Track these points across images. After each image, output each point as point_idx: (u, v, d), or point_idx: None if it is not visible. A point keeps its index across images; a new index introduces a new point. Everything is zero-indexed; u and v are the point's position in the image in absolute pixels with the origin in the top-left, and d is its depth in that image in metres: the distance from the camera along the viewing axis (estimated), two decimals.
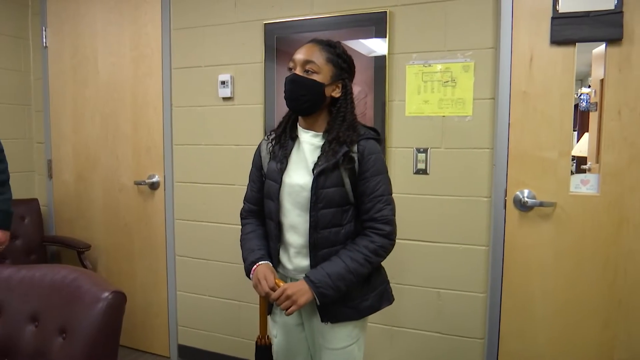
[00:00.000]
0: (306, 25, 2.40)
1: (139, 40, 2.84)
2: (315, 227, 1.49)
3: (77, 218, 3.18)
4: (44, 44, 3.16)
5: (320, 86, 1.48)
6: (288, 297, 1.42)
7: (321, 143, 1.53)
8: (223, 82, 2.60)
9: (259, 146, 1.69)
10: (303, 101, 1.49)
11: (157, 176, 2.87)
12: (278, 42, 2.45)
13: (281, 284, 1.47)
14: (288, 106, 1.56)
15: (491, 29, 2.10)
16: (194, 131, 2.75)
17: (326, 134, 1.52)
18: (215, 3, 2.62)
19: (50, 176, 3.25)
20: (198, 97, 2.72)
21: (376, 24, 2.25)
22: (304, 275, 1.49)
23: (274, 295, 1.44)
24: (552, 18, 2.00)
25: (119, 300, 1.30)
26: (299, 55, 1.50)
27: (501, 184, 2.14)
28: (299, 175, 1.53)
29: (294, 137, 1.59)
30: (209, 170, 2.72)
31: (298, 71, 1.49)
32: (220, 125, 2.67)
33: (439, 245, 2.25)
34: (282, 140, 1.59)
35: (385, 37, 2.23)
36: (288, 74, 1.52)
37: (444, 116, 2.19)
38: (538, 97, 2.07)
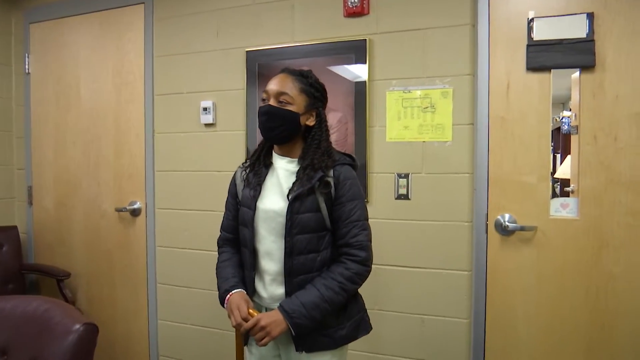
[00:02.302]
0: (287, 53, 2.42)
1: (122, 67, 2.85)
2: (290, 253, 1.48)
3: (57, 245, 3.13)
4: (27, 71, 3.16)
5: (295, 116, 1.49)
6: (262, 328, 1.40)
7: (296, 169, 1.53)
8: (205, 109, 2.61)
9: (234, 174, 1.69)
10: (279, 132, 1.50)
11: (138, 202, 2.84)
12: (260, 68, 2.47)
13: (255, 313, 1.44)
14: (263, 137, 1.56)
15: (468, 57, 2.13)
16: (176, 157, 2.74)
17: (301, 160, 1.52)
18: (197, 31, 2.64)
19: (30, 203, 3.20)
20: (180, 123, 2.71)
21: (356, 52, 2.28)
22: (278, 304, 1.46)
23: (247, 325, 1.42)
24: (528, 45, 2.05)
25: (91, 332, 1.27)
26: (272, 87, 1.50)
27: (482, 208, 2.15)
28: (273, 201, 1.53)
29: (268, 164, 1.59)
30: (190, 196, 2.70)
31: (272, 102, 1.50)
32: (202, 152, 2.66)
33: (421, 270, 2.23)
34: (257, 167, 1.59)
35: (365, 64, 2.26)
36: (262, 104, 1.53)
37: (424, 141, 2.21)
38: (516, 122, 2.10)
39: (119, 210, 2.87)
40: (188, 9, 2.66)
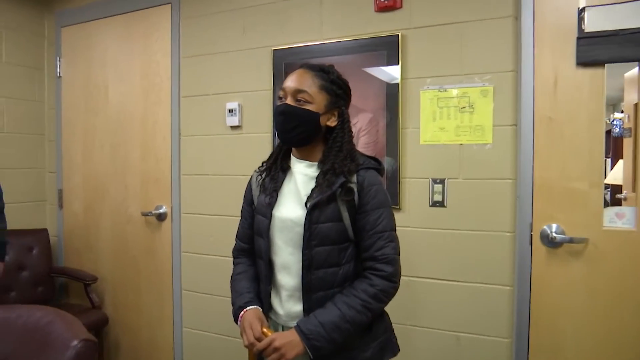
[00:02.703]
0: (315, 51, 2.30)
1: (149, 69, 2.80)
2: (309, 266, 1.35)
3: (85, 249, 3.11)
4: (58, 74, 3.16)
5: (314, 116, 1.36)
6: (276, 350, 1.27)
7: (316, 173, 1.40)
8: (231, 111, 2.52)
9: (250, 179, 1.57)
10: (296, 133, 1.37)
11: (164, 207, 2.78)
12: (287, 68, 2.36)
13: (269, 333, 1.32)
14: (280, 139, 1.44)
15: (511, 51, 1.95)
16: (202, 161, 2.66)
17: (321, 164, 1.39)
18: (223, 30, 2.56)
19: (60, 206, 3.20)
20: (206, 125, 2.64)
21: (388, 48, 2.14)
22: (295, 323, 1.34)
23: (260, 345, 1.29)
24: (578, 38, 1.85)
25: (89, 348, 1.18)
26: (290, 84, 1.37)
27: (526, 217, 1.96)
28: (290, 209, 1.40)
29: (286, 168, 1.46)
30: (216, 201, 2.61)
31: (289, 101, 1.36)
32: (228, 155, 2.57)
33: (458, 284, 2.06)
34: (273, 171, 1.47)
35: (398, 61, 2.11)
36: (279, 102, 1.40)
37: (461, 144, 2.04)
38: (564, 122, 1.90)
39: (145, 214, 2.82)
40: (214, 7, 2.59)
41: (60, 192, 3.20)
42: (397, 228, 2.11)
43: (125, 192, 2.92)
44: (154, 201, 2.82)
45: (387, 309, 1.47)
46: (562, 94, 1.90)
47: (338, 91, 1.39)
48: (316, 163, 1.41)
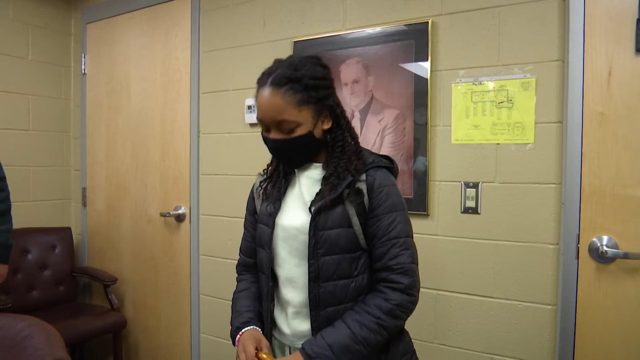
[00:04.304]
0: (338, 42, 2.13)
1: (169, 65, 2.71)
2: (315, 279, 1.18)
3: (107, 249, 3.06)
4: (83, 71, 3.12)
5: (308, 137, 1.18)
6: None
7: (321, 176, 1.23)
8: (249, 107, 2.38)
9: (252, 187, 1.42)
10: (297, 159, 1.24)
11: (183, 208, 2.68)
12: None
13: (266, 357, 1.16)
14: (284, 167, 1.30)
15: (557, 38, 1.71)
16: (221, 160, 2.54)
17: (326, 167, 1.22)
18: (243, 22, 2.43)
19: (84, 204, 3.16)
20: (225, 123, 2.51)
21: (416, 37, 1.94)
22: (301, 345, 1.17)
23: None
24: (638, 21, 1.59)
25: None
26: (265, 115, 1.17)
27: (572, 228, 1.71)
28: (294, 216, 1.24)
29: (289, 173, 1.30)
30: (235, 202, 2.48)
31: (275, 134, 1.18)
32: (246, 154, 2.44)
33: (493, 300, 1.84)
34: (275, 177, 1.32)
35: (427, 51, 1.91)
36: (262, 132, 1.23)
37: (498, 144, 1.82)
38: (620, 119, 1.65)
39: (163, 215, 2.73)
40: None
41: (84, 190, 3.16)
42: (424, 236, 1.94)
43: (145, 191, 2.84)
44: (172, 201, 2.72)
45: (410, 324, 1.28)
46: (617, 86, 1.65)
47: (319, 93, 1.17)
48: (321, 164, 1.25)
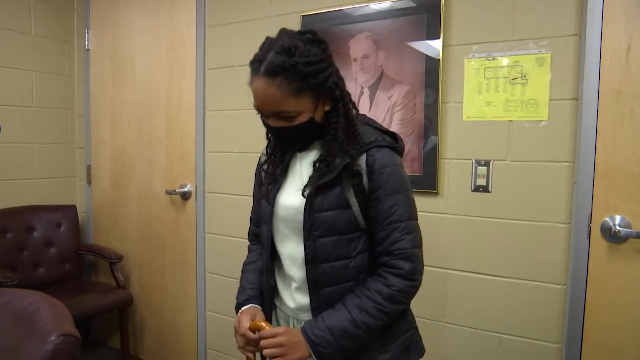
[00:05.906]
0: (347, 16, 2.08)
1: (174, 40, 2.66)
2: (313, 260, 1.17)
3: (112, 226, 3.06)
4: (87, 47, 3.08)
5: (309, 124, 1.13)
6: (279, 345, 1.10)
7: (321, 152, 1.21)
8: None
9: (260, 158, 1.39)
10: (299, 143, 1.20)
11: (189, 185, 2.66)
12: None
13: (264, 325, 1.17)
14: (286, 150, 1.27)
15: (574, 12, 1.66)
16: (227, 137, 2.51)
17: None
18: None
19: (89, 182, 3.15)
20: (231, 100, 2.47)
21: (429, 11, 1.89)
22: (309, 316, 1.19)
23: (264, 333, 1.14)
24: None
25: (68, 344, 1.05)
26: (264, 107, 1.11)
27: (585, 207, 1.69)
28: (293, 194, 1.21)
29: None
30: (241, 180, 2.46)
31: (274, 122, 1.13)
32: (253, 131, 2.39)
33: (501, 280, 1.83)
34: (274, 157, 1.28)
35: (440, 25, 1.86)
36: (262, 118, 1.18)
37: (511, 121, 1.78)
38: (637, 97, 1.61)
39: (169, 192, 2.71)
40: None
41: (88, 168, 3.14)
42: (433, 214, 1.92)
43: (150, 168, 2.82)
44: (178, 179, 2.70)
45: (418, 303, 1.27)
46: (636, 62, 1.61)
47: (317, 79, 1.09)
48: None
